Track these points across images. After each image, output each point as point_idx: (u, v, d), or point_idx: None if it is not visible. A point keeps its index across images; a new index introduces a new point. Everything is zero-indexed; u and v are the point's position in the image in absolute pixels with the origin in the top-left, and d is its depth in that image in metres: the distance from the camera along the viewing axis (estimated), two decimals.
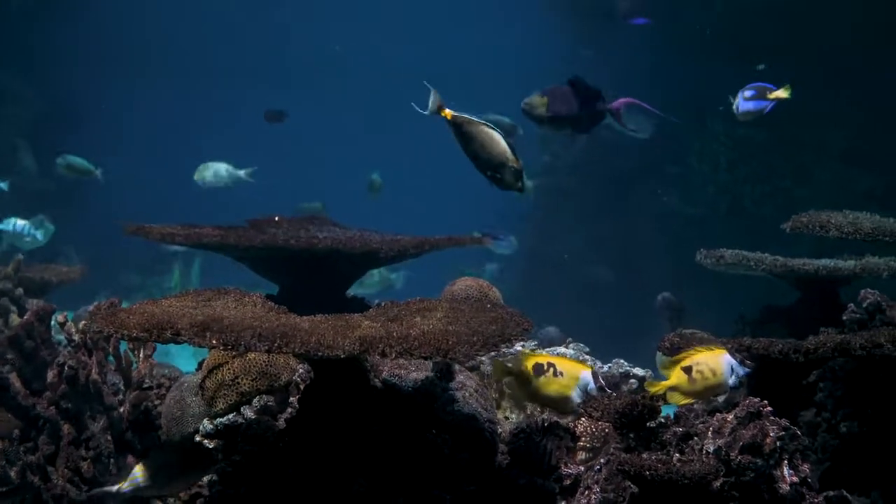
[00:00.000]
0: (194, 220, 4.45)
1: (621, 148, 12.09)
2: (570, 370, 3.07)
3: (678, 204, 11.72)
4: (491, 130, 3.48)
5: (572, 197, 12.77)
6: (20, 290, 5.95)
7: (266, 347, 2.47)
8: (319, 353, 2.43)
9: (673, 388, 3.08)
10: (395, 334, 2.56)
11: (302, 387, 3.39)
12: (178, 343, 2.57)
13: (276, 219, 4.60)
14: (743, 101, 5.20)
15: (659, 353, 5.09)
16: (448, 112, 3.43)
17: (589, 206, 12.33)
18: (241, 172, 9.08)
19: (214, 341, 2.50)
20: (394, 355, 2.47)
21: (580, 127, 4.84)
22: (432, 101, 3.40)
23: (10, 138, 15.85)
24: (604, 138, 12.64)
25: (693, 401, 3.16)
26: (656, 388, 3.11)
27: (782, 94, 5.03)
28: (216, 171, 9.04)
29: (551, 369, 3.06)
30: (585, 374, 3.06)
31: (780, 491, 2.84)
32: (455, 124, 3.43)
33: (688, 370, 3.04)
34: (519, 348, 3.99)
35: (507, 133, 7.43)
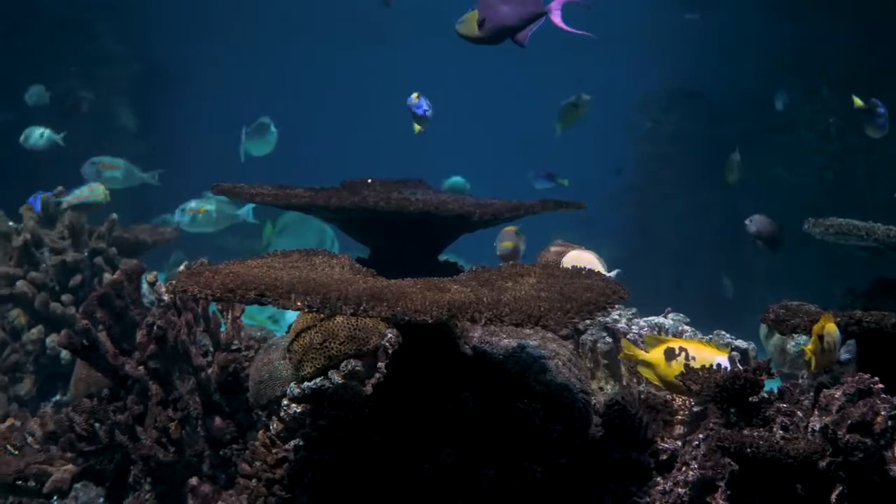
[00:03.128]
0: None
1: (725, 115, 11.84)
2: (702, 355, 2.94)
3: (784, 173, 11.44)
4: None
5: (673, 164, 12.59)
6: (114, 250, 6.03)
7: (352, 310, 2.40)
8: (406, 318, 2.36)
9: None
10: (485, 300, 2.47)
11: (391, 352, 3.33)
12: (262, 304, 2.52)
13: (370, 181, 4.53)
14: None
15: (763, 325, 4.93)
16: None
17: (690, 173, 12.12)
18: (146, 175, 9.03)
19: (299, 303, 2.44)
20: (483, 321, 2.38)
21: (517, 33, 4.64)
22: None
23: (109, 100, 16.09)
24: (707, 105, 12.39)
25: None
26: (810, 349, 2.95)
27: None
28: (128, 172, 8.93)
29: (682, 354, 2.93)
30: (720, 359, 2.93)
31: (892, 473, 2.69)
32: None
33: (820, 338, 2.89)
34: (615, 317, 3.89)
35: (575, 106, 7.30)
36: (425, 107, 5.58)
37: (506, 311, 2.41)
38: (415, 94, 5.59)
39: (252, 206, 8.21)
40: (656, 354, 2.99)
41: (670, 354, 2.95)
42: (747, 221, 6.22)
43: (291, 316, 9.93)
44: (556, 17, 4.51)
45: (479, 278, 2.87)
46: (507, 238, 5.04)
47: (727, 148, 11.17)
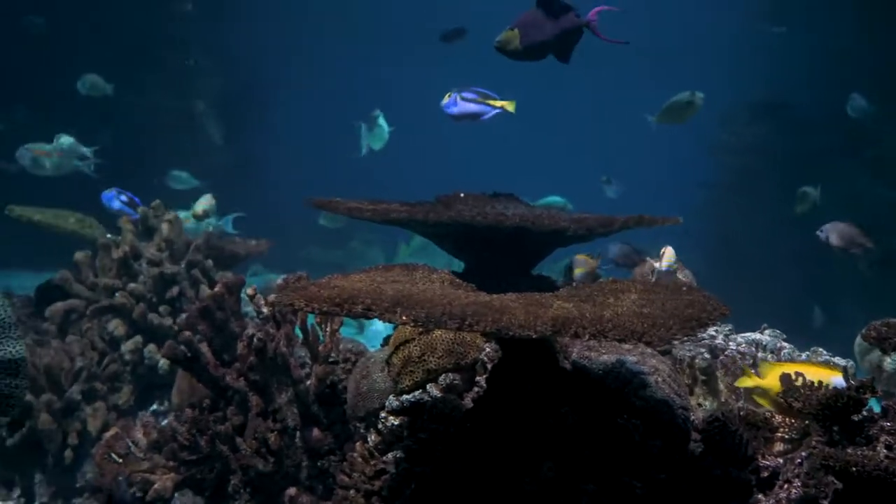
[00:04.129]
0: (370, 195, 4.45)
1: (809, 128, 11.68)
2: (818, 378, 2.91)
3: (870, 186, 11.25)
4: None
5: (755, 177, 12.45)
6: (210, 262, 6.14)
7: (456, 325, 2.43)
8: (511, 333, 2.38)
9: None
10: (588, 315, 2.49)
11: (489, 366, 3.36)
12: (368, 318, 2.56)
13: (462, 195, 4.56)
14: None
15: (859, 340, 4.86)
16: None
17: (773, 187, 11.97)
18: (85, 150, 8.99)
19: (405, 317, 2.48)
20: (587, 337, 2.40)
21: (559, 51, 4.63)
22: None
23: (196, 112, 16.36)
24: (791, 118, 12.24)
25: None
26: None
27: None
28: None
29: (800, 379, 2.92)
30: (837, 380, 2.91)
31: None
32: None
33: None
34: (712, 333, 3.87)
35: (690, 103, 7.29)
36: (456, 109, 5.64)
37: (609, 326, 2.42)
38: (447, 95, 5.62)
39: (232, 216, 8.24)
40: (772, 381, 2.96)
41: (787, 379, 2.93)
42: (818, 232, 6.13)
43: (376, 325, 10.01)
44: (597, 30, 4.53)
45: (580, 294, 2.89)
46: (580, 265, 5.02)
47: (812, 161, 11.04)
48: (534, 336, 2.40)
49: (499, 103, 5.47)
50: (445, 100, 5.59)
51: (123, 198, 7.73)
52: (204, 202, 7.59)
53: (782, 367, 2.99)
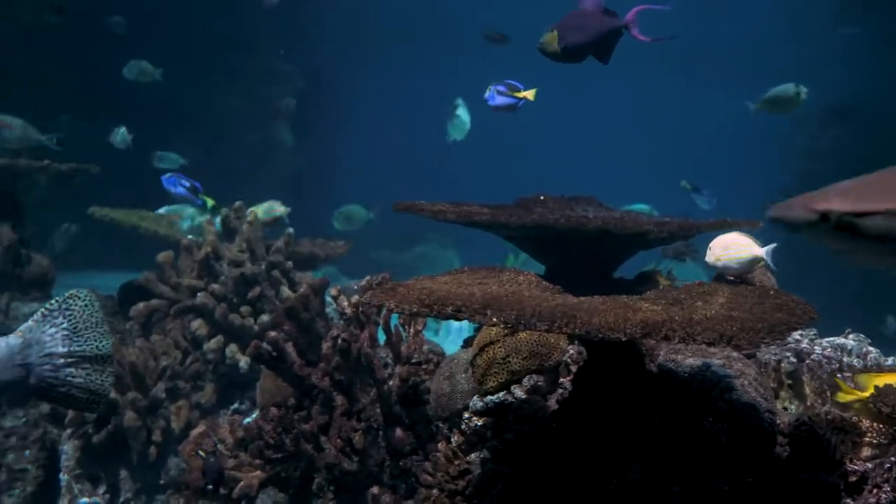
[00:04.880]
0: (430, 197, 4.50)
1: (886, 131, 11.53)
2: None
3: None
4: None
5: (827, 180, 12.31)
6: (290, 264, 6.24)
7: (546, 327, 2.47)
8: (600, 335, 2.42)
9: None
10: (677, 318, 2.51)
11: (572, 368, 3.39)
12: (458, 319, 2.61)
13: (542, 198, 4.60)
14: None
15: None
16: None
17: None
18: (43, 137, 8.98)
19: (495, 319, 2.53)
20: (676, 340, 2.43)
21: (599, 52, 4.64)
22: None
23: (269, 116, 16.56)
24: (867, 121, 12.08)
25: None
26: None
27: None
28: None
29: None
30: None
31: None
32: None
33: None
34: (797, 336, 3.86)
35: (797, 95, 7.31)
36: (494, 101, 6.13)
37: (698, 329, 2.45)
38: (487, 89, 6.02)
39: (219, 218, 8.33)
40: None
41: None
42: None
43: (452, 326, 10.05)
44: (635, 31, 4.55)
45: (667, 297, 2.91)
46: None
47: (887, 165, 10.88)
48: (623, 339, 2.43)
49: (522, 94, 6.11)
50: (486, 93, 5.99)
51: (186, 183, 7.88)
52: (269, 208, 7.66)
53: (883, 377, 2.98)
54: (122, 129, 10.26)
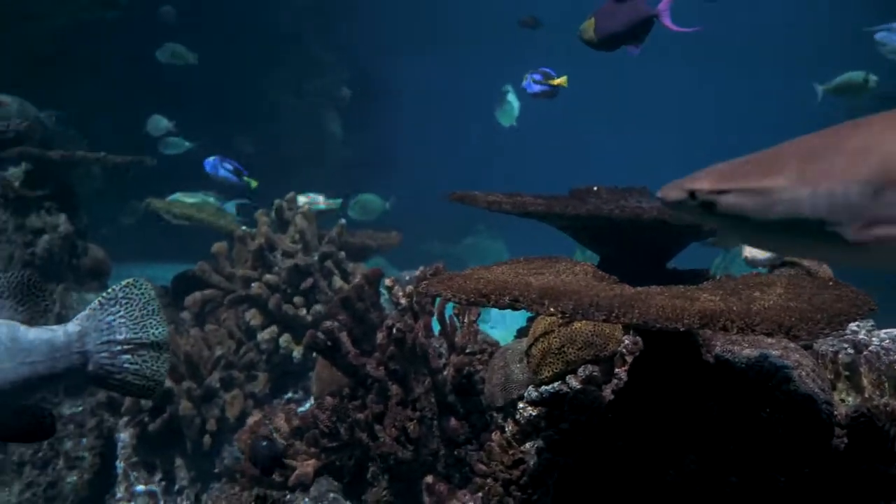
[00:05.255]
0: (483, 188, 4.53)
1: None
2: None
3: None
4: None
5: None
6: (342, 254, 6.29)
7: (604, 317, 2.48)
8: (658, 325, 2.43)
9: None
10: (735, 309, 2.51)
11: (627, 358, 3.40)
12: (515, 309, 2.63)
13: (596, 188, 4.61)
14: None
15: None
16: None
17: None
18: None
19: (552, 308, 2.54)
20: (735, 331, 2.43)
21: (633, 39, 4.65)
22: None
23: (318, 108, 16.62)
24: None
25: None
26: None
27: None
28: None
29: None
30: None
31: None
32: None
33: None
34: (854, 328, 3.83)
35: (865, 81, 7.37)
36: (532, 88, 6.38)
37: (757, 320, 2.44)
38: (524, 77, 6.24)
39: (237, 202, 8.36)
40: None
41: None
42: None
43: (497, 316, 10.06)
44: (666, 20, 4.55)
45: (724, 287, 2.91)
46: None
47: None
48: (681, 329, 2.44)
49: (556, 81, 6.37)
50: (523, 82, 6.22)
51: (228, 165, 7.96)
52: (312, 200, 7.71)
53: None
54: (157, 117, 10.37)
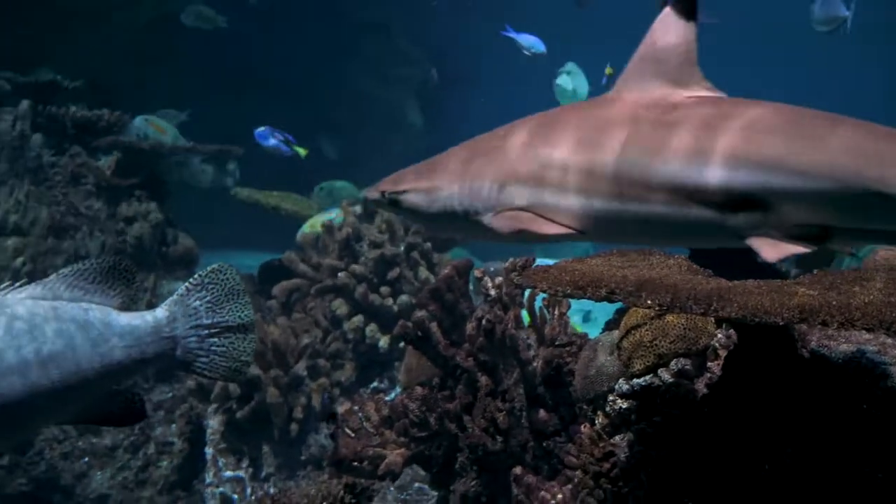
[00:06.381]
0: None
1: None
2: None
3: None
4: None
5: None
6: (428, 245, 6.35)
7: (702, 310, 2.50)
8: (756, 319, 2.44)
9: None
10: (834, 304, 2.51)
11: (721, 352, 3.40)
12: (611, 301, 2.66)
13: None
14: None
15: None
16: None
17: None
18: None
19: (649, 301, 2.56)
20: (835, 325, 2.43)
21: None
22: None
23: (400, 98, 16.71)
24: None
25: None
26: None
27: None
28: None
29: None
30: None
31: None
32: None
33: None
34: None
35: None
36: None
37: (857, 315, 2.44)
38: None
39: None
40: None
41: None
42: None
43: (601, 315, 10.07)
44: None
45: (822, 282, 2.90)
46: None
47: None
48: (780, 322, 2.44)
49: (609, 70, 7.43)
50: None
51: (279, 135, 8.07)
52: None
53: None
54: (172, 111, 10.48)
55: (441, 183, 2.98)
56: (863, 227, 2.61)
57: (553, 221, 2.83)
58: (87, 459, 6.46)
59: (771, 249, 2.65)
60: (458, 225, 3.01)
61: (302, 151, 8.13)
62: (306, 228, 7.26)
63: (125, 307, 3.54)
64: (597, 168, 2.74)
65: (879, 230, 2.58)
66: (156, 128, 8.74)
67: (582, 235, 2.93)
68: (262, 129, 8.25)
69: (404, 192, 3.04)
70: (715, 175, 2.65)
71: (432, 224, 3.11)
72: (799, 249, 2.64)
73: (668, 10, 2.81)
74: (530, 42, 9.28)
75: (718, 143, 2.64)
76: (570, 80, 9.63)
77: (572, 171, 2.76)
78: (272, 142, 8.18)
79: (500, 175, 2.86)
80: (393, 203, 3.09)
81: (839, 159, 2.55)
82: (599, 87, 8.79)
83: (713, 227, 2.73)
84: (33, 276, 4.53)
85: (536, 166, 2.81)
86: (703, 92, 2.81)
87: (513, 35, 8.58)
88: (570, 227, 2.83)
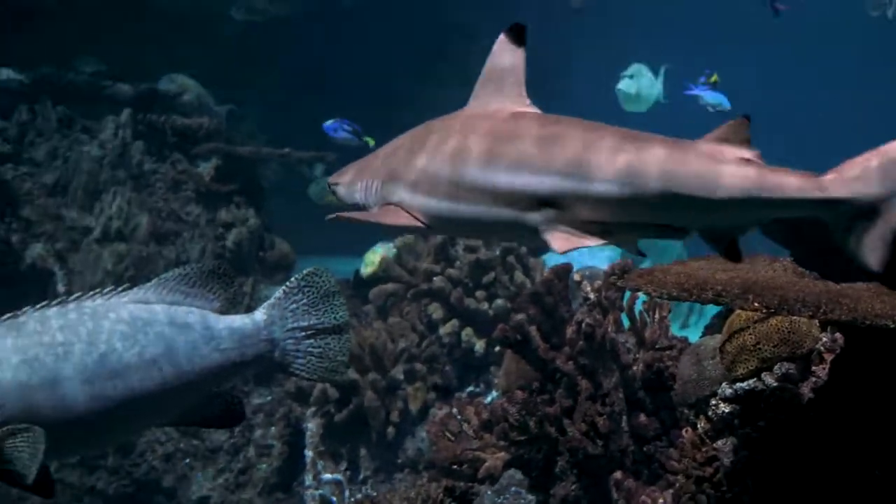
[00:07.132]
0: None
1: None
2: None
3: None
4: None
5: None
6: (524, 249, 6.37)
7: (810, 313, 2.49)
8: (867, 322, 2.42)
9: None
10: None
11: (826, 356, 3.37)
12: (718, 304, 2.66)
13: None
14: None
15: None
16: None
17: None
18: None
19: (756, 304, 2.56)
20: None
21: None
22: None
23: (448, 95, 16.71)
24: None
25: None
26: None
27: None
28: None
29: None
30: None
31: None
32: None
33: None
34: None
35: None
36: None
37: None
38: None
39: None
40: None
41: None
42: None
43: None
44: None
45: None
46: None
47: None
48: (892, 326, 2.42)
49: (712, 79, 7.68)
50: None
51: (347, 127, 8.14)
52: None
53: None
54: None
55: (355, 178, 3.37)
56: (633, 221, 2.75)
57: (410, 214, 3.14)
58: (188, 461, 6.61)
59: (562, 242, 2.83)
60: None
61: (371, 141, 8.24)
62: (367, 267, 7.29)
63: (225, 311, 3.63)
64: (435, 173, 3.08)
65: (649, 224, 2.69)
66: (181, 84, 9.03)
67: (429, 229, 3.22)
68: (330, 122, 8.36)
69: (337, 184, 3.43)
70: (510, 180, 2.94)
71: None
72: (589, 242, 2.81)
73: (502, 37, 3.22)
74: (717, 99, 9.28)
75: (513, 152, 2.95)
76: (634, 83, 9.55)
77: (422, 174, 3.10)
78: (342, 134, 8.30)
79: (385, 175, 3.23)
80: (333, 193, 3.49)
81: (606, 167, 2.77)
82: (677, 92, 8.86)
83: (518, 225, 2.95)
84: (135, 281, 4.67)
85: (404, 168, 3.16)
86: (526, 108, 3.17)
87: (697, 92, 8.57)
88: (419, 221, 3.11)
